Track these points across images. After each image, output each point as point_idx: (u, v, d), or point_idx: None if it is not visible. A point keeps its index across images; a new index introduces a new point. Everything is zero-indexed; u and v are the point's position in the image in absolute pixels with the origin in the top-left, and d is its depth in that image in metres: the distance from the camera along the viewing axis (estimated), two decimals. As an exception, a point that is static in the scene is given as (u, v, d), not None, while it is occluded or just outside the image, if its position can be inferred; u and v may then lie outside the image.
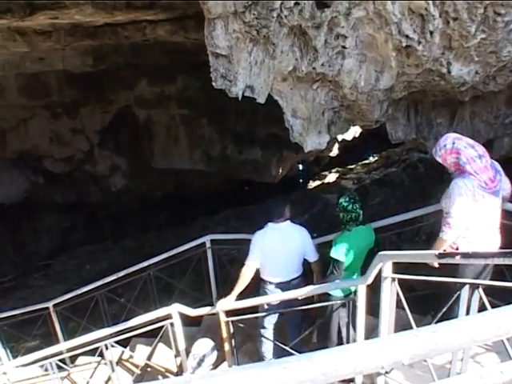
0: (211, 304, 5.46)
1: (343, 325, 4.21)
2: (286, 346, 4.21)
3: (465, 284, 2.78)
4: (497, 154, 6.01)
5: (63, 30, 6.87)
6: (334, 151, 13.53)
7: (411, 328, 2.75)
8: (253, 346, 4.92)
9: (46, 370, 5.40)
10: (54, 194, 13.62)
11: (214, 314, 4.67)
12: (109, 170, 13.37)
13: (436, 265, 3.25)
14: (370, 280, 3.37)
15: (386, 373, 3.27)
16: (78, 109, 12.17)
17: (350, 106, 4.71)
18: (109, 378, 5.55)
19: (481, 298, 2.55)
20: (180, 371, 5.08)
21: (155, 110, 11.99)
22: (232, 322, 4.47)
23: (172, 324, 4.70)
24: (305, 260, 4.47)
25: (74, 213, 13.93)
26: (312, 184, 13.96)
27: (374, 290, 3.55)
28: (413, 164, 10.67)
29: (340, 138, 12.06)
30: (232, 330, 4.52)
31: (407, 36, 3.74)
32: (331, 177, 13.96)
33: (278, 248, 4.27)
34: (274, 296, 4.32)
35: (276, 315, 4.48)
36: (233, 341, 4.60)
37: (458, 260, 2.72)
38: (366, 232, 4.17)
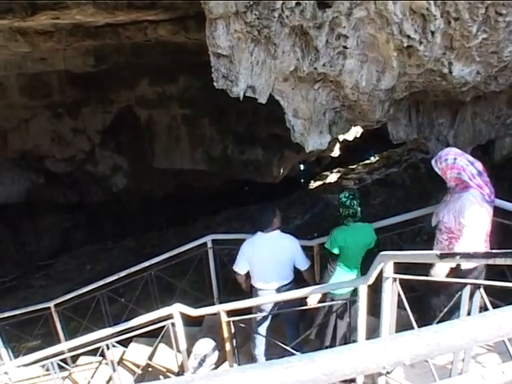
0: (212, 304, 5.47)
1: (340, 325, 4.21)
2: (285, 345, 4.22)
3: (466, 284, 2.78)
4: (498, 154, 6.01)
5: (64, 31, 6.87)
6: (336, 151, 13.53)
7: (411, 328, 2.75)
8: (254, 346, 4.92)
9: (48, 369, 5.41)
10: (55, 193, 13.64)
11: (215, 314, 4.67)
12: (110, 170, 13.38)
13: None
14: (371, 280, 3.37)
15: (388, 373, 3.27)
16: (79, 109, 12.18)
17: (352, 106, 4.71)
18: (110, 378, 5.56)
19: (481, 298, 2.55)
20: (181, 371, 5.09)
21: (156, 110, 11.99)
22: (233, 321, 4.47)
23: (173, 324, 4.70)
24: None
25: (76, 213, 13.95)
26: (313, 184, 13.96)
27: (375, 290, 3.55)
28: (414, 164, 10.67)
29: (341, 138, 12.06)
30: (233, 330, 4.52)
31: (408, 36, 3.74)
32: (332, 177, 13.95)
33: (266, 257, 4.33)
34: (275, 296, 4.32)
35: (268, 320, 4.52)
36: (234, 341, 4.60)
37: (458, 260, 2.72)
38: (364, 229, 4.18)
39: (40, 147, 12.73)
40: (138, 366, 5.51)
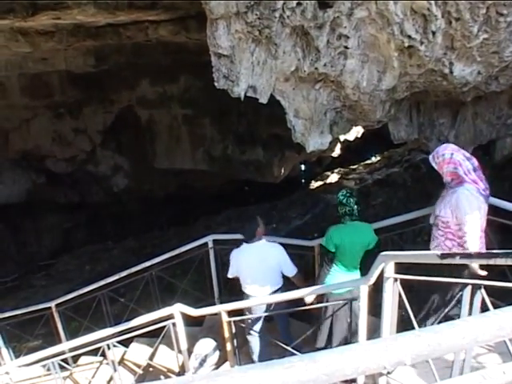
0: (213, 304, 5.47)
1: (337, 325, 4.20)
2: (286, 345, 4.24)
3: (467, 284, 2.78)
4: (499, 155, 6.01)
5: (65, 31, 6.88)
6: (336, 151, 13.51)
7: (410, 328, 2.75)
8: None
9: (49, 369, 5.41)
10: (56, 194, 13.64)
11: (215, 314, 4.67)
12: (111, 170, 13.38)
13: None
14: (372, 280, 3.37)
15: (388, 373, 3.27)
16: (80, 109, 12.18)
17: (353, 107, 4.71)
18: (111, 378, 5.56)
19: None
20: (182, 371, 5.09)
21: (157, 110, 11.99)
22: (234, 322, 4.48)
23: (174, 324, 4.70)
24: None
25: (76, 213, 13.95)
26: (314, 184, 13.95)
27: (376, 290, 3.55)
28: (415, 164, 10.66)
29: (342, 138, 12.06)
30: (234, 330, 4.53)
31: (409, 36, 3.74)
32: (333, 177, 13.94)
33: (254, 266, 4.43)
34: (275, 297, 4.33)
35: (260, 322, 4.56)
36: (235, 341, 4.61)
37: (459, 260, 2.72)
38: (361, 228, 4.18)
39: (41, 147, 12.73)
40: (138, 366, 5.51)
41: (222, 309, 4.46)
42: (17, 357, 6.68)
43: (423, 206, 4.72)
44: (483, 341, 1.37)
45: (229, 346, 4.59)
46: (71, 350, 5.42)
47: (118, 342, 5.09)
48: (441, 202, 3.70)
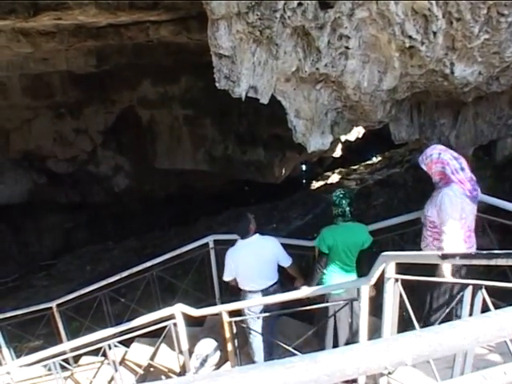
0: (214, 304, 5.48)
1: (340, 326, 4.21)
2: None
3: (468, 285, 2.78)
4: (500, 155, 6.01)
5: (67, 31, 6.88)
6: (337, 152, 13.52)
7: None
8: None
9: (50, 369, 5.41)
10: (57, 194, 13.65)
11: (216, 315, 4.67)
12: (112, 170, 13.39)
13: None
14: (373, 281, 3.37)
15: (389, 373, 3.27)
16: (81, 109, 12.19)
17: (353, 107, 4.71)
18: (112, 378, 5.56)
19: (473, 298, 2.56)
20: (183, 371, 5.09)
21: (158, 110, 11.99)
22: (235, 322, 4.48)
23: (175, 324, 4.70)
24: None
25: (77, 213, 13.96)
26: (315, 184, 13.95)
27: (377, 290, 3.55)
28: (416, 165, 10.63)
29: (343, 138, 12.07)
30: (235, 331, 4.53)
31: (410, 37, 3.75)
32: (334, 177, 13.94)
33: (251, 261, 4.47)
34: (275, 297, 4.33)
35: (260, 321, 4.58)
36: (236, 341, 4.61)
37: (459, 261, 2.72)
38: (354, 229, 4.18)
39: (42, 147, 12.75)
40: (139, 366, 5.51)
41: (222, 309, 4.46)
42: (18, 357, 6.69)
43: (424, 207, 4.73)
44: (484, 341, 1.37)
45: (230, 347, 4.59)
46: (72, 350, 5.42)
47: (119, 342, 5.09)
48: (430, 203, 3.75)
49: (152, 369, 5.52)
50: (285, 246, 4.74)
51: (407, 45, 3.83)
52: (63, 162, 13.15)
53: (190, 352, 5.03)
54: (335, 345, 4.24)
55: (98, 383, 5.81)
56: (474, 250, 3.73)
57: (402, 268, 3.22)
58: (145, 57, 9.36)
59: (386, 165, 12.75)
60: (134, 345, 6.04)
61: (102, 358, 5.43)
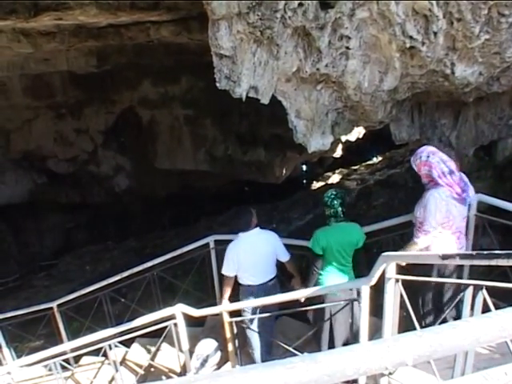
0: (214, 304, 5.47)
1: (336, 327, 4.21)
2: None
3: (469, 285, 2.78)
4: (500, 155, 6.01)
5: (67, 31, 6.89)
6: (338, 152, 13.52)
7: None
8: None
9: (50, 369, 5.41)
10: (57, 194, 13.66)
11: (217, 315, 4.68)
12: (112, 170, 13.39)
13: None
14: (373, 281, 3.37)
15: (390, 374, 3.27)
16: (81, 109, 12.20)
17: (354, 107, 4.71)
18: (112, 378, 5.57)
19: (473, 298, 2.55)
20: (183, 371, 5.09)
21: (159, 110, 12.00)
22: (235, 322, 4.48)
23: (175, 324, 4.70)
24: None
25: (78, 213, 13.98)
26: (315, 185, 13.94)
27: (377, 290, 3.55)
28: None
29: (344, 138, 12.05)
30: (235, 331, 4.53)
31: (411, 37, 3.74)
32: (335, 178, 13.93)
33: (252, 254, 4.51)
34: (276, 297, 4.33)
35: (257, 319, 4.61)
36: (236, 341, 4.61)
37: (459, 261, 2.72)
38: (347, 229, 4.19)
39: (43, 147, 12.76)
40: (140, 367, 5.51)
41: (223, 309, 4.46)
42: (18, 357, 6.69)
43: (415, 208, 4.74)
44: (485, 341, 1.37)
45: (230, 347, 4.59)
46: (73, 350, 5.42)
47: (120, 343, 5.09)
48: (418, 203, 3.79)
49: (152, 369, 5.52)
50: (285, 246, 4.76)
51: (408, 45, 3.83)
52: (64, 162, 13.16)
53: (191, 352, 5.03)
54: (331, 346, 4.24)
55: (99, 383, 5.81)
56: (463, 250, 3.80)
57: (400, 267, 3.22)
58: (145, 57, 9.36)
59: (387, 165, 12.72)
60: (135, 345, 6.04)
61: (103, 358, 5.44)
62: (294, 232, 8.96)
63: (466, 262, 3.25)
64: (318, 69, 4.10)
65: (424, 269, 3.53)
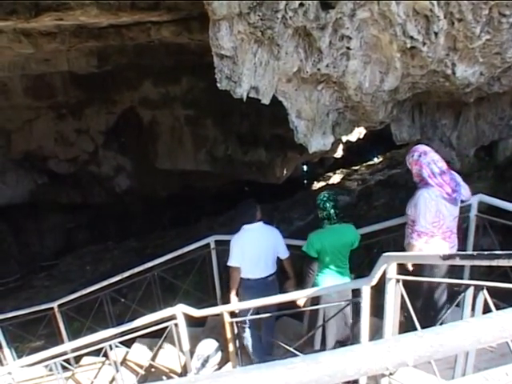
0: (215, 305, 5.47)
1: (328, 328, 4.22)
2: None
3: (469, 285, 2.78)
4: (501, 156, 6.01)
5: (68, 32, 6.88)
6: (339, 152, 13.51)
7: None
8: (257, 346, 4.93)
9: (51, 370, 5.41)
10: (58, 194, 13.66)
11: (218, 315, 4.67)
12: (113, 170, 13.39)
13: None
14: (374, 281, 3.36)
15: (390, 374, 3.27)
16: (82, 110, 12.20)
17: (355, 107, 4.71)
18: (113, 379, 5.57)
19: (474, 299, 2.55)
20: (184, 372, 5.09)
21: (160, 110, 11.99)
22: (236, 322, 4.48)
23: (176, 324, 4.70)
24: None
25: (79, 213, 13.97)
26: (316, 185, 13.94)
27: (378, 290, 3.55)
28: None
29: (344, 139, 12.04)
30: (236, 331, 4.53)
31: (412, 37, 3.74)
32: (335, 178, 13.93)
33: (255, 247, 4.58)
34: (275, 298, 4.33)
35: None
36: (237, 341, 4.61)
37: (459, 261, 2.72)
38: (341, 230, 4.20)
39: (43, 148, 12.75)
40: (140, 367, 5.51)
41: (224, 309, 4.46)
42: (19, 357, 6.69)
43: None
44: (486, 342, 1.37)
45: (231, 347, 4.58)
46: (73, 350, 5.42)
47: (121, 343, 5.09)
48: (410, 202, 3.81)
49: (153, 369, 5.52)
50: (286, 246, 4.78)
51: (408, 45, 3.83)
52: (64, 163, 13.15)
53: (191, 352, 5.03)
54: (323, 345, 4.26)
55: None
56: (455, 249, 3.81)
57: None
58: (146, 57, 9.36)
59: (388, 165, 12.72)
60: (135, 345, 6.04)
61: (103, 359, 5.43)
62: (294, 232, 8.95)
63: (467, 263, 3.25)
64: (318, 69, 4.10)
65: (417, 272, 3.55)
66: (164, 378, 5.25)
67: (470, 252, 3.83)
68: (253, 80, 4.06)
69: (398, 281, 3.12)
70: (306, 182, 15.01)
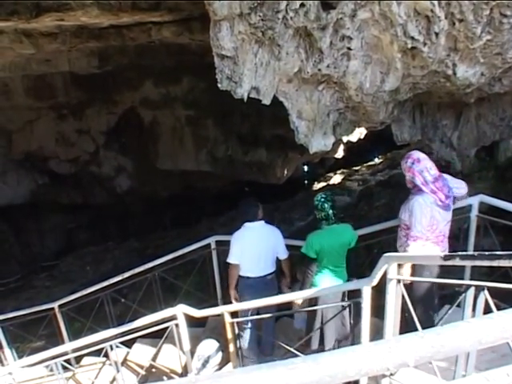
0: (216, 305, 5.47)
1: (327, 329, 4.23)
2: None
3: (470, 286, 2.77)
4: (502, 156, 6.00)
5: (69, 32, 6.89)
6: (339, 153, 13.52)
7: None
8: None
9: (52, 370, 5.41)
10: (59, 194, 13.67)
11: (218, 315, 4.67)
12: (114, 171, 13.40)
13: None
14: (375, 282, 3.36)
15: (391, 375, 3.26)
16: (83, 110, 12.21)
17: (356, 108, 4.71)
18: (114, 379, 5.56)
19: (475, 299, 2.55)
20: (185, 372, 5.08)
21: (160, 111, 12.00)
22: (237, 323, 4.48)
23: (177, 325, 4.69)
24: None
25: (79, 214, 13.98)
26: (317, 185, 13.94)
27: (378, 291, 3.54)
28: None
29: (345, 139, 12.05)
30: (237, 331, 4.53)
31: (412, 37, 3.74)
32: (336, 178, 13.94)
33: (255, 245, 4.58)
34: (276, 298, 4.33)
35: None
36: (237, 342, 4.61)
37: (462, 262, 2.72)
38: (339, 231, 4.21)
39: (44, 148, 12.77)
40: (141, 367, 5.51)
41: (224, 310, 4.46)
42: (20, 357, 6.68)
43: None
44: (487, 342, 1.36)
45: (231, 347, 4.58)
46: (74, 350, 5.41)
47: (121, 343, 5.09)
48: (404, 207, 3.86)
49: (154, 369, 5.52)
50: (287, 246, 4.78)
51: (409, 46, 3.82)
52: (65, 163, 13.17)
53: (192, 353, 5.02)
54: (321, 345, 4.27)
55: (100, 384, 5.81)
56: (446, 252, 3.83)
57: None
58: (147, 58, 9.37)
59: (388, 166, 12.72)
60: (136, 345, 6.03)
61: (104, 359, 5.43)
62: (295, 232, 8.95)
63: (468, 263, 3.24)
64: (319, 69, 4.10)
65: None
66: (165, 378, 5.25)
67: (471, 252, 3.82)
68: (253, 80, 4.06)
69: (398, 281, 3.12)
70: (306, 182, 15.03)
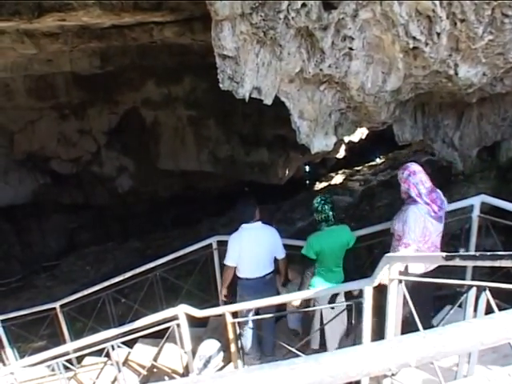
0: (217, 305, 5.47)
1: (327, 331, 4.23)
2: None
3: (472, 286, 2.77)
4: (504, 156, 6.00)
5: (71, 32, 6.89)
6: (341, 153, 13.52)
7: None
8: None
9: (53, 370, 5.42)
10: (61, 194, 13.69)
11: (220, 315, 4.68)
12: (116, 171, 13.41)
13: None
14: (376, 282, 3.36)
15: (393, 375, 3.26)
16: (85, 110, 12.23)
17: (357, 108, 4.70)
18: (115, 379, 5.56)
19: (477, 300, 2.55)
20: (186, 372, 5.08)
21: (162, 111, 12.01)
22: (238, 323, 4.48)
23: (178, 325, 4.70)
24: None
25: (81, 214, 13.99)
26: (318, 185, 13.94)
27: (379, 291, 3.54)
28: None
29: (347, 139, 12.05)
30: (238, 331, 4.53)
31: (414, 37, 3.74)
32: (338, 178, 13.94)
33: (253, 246, 4.58)
34: (275, 299, 4.34)
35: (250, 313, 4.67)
36: (239, 342, 4.61)
37: (463, 262, 2.71)
38: (338, 232, 4.26)
39: (46, 148, 12.79)
40: (143, 367, 5.51)
41: (226, 310, 4.46)
42: (21, 357, 6.69)
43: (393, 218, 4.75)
44: (488, 343, 1.36)
45: (233, 347, 4.58)
46: (75, 350, 5.42)
47: (123, 343, 5.09)
48: (398, 216, 3.91)
49: (155, 369, 5.53)
50: (287, 246, 4.79)
51: (411, 46, 3.82)
52: (67, 163, 13.19)
53: (194, 353, 5.03)
54: (322, 346, 4.28)
55: (101, 384, 5.82)
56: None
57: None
58: (148, 58, 9.37)
59: (390, 166, 12.71)
60: (138, 345, 6.04)
61: (106, 359, 5.43)
62: (296, 233, 8.95)
63: (470, 263, 3.24)
64: (321, 69, 4.10)
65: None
66: (166, 378, 5.25)
67: (472, 253, 3.82)
68: (255, 80, 4.06)
69: (400, 281, 3.12)
70: (308, 182, 15.02)
